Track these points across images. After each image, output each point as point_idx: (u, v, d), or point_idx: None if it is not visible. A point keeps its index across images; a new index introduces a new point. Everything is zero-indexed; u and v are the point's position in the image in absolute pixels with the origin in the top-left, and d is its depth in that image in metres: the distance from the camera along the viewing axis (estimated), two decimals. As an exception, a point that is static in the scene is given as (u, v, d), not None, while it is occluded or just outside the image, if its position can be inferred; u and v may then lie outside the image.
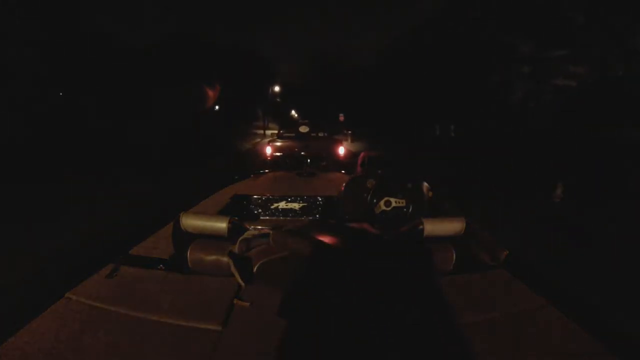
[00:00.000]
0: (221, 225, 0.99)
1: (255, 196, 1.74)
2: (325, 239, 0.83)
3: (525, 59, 13.61)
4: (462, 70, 15.73)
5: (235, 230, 1.00)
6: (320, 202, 1.70)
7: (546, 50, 12.91)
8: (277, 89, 32.31)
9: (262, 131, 25.07)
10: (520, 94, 14.18)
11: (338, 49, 36.53)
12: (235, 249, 0.93)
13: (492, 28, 14.33)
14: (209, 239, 1.02)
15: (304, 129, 8.32)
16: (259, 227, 1.01)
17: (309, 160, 7.32)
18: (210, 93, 21.95)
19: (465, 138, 16.64)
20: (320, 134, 8.43)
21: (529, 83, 13.91)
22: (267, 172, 2.48)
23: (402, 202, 1.08)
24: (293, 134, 8.23)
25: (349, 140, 18.04)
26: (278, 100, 34.91)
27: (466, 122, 17.32)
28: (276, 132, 9.01)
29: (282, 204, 1.72)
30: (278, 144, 7.89)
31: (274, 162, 7.57)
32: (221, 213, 1.44)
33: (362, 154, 3.98)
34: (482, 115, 15.49)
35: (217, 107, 23.53)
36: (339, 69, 33.93)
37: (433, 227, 1.02)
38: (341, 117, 21.91)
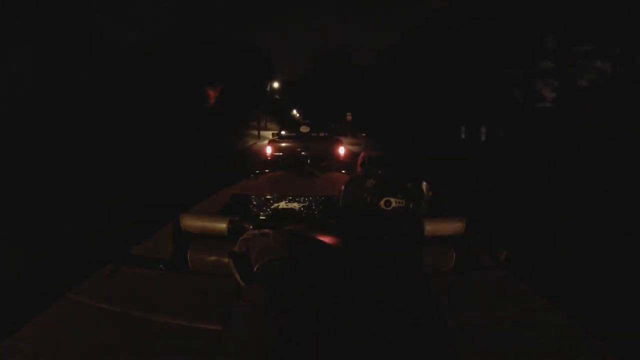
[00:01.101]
0: (221, 225, 0.99)
1: (255, 196, 1.74)
2: (325, 239, 0.83)
3: (548, 54, 12.56)
4: (480, 65, 14.69)
5: (235, 230, 1.00)
6: (320, 202, 1.70)
7: (571, 45, 11.81)
8: (276, 85, 31.34)
9: (256, 132, 23.26)
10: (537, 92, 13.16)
11: (338, 48, 36.46)
12: (235, 249, 0.93)
13: (510, 19, 13.36)
14: (209, 239, 1.02)
15: (304, 129, 8.38)
16: (259, 227, 1.01)
17: (309, 160, 7.34)
18: (211, 93, 21.91)
19: (502, 143, 13.76)
20: (321, 134, 8.47)
21: (550, 81, 12.85)
22: (267, 172, 2.48)
23: (402, 202, 1.08)
24: (294, 134, 8.28)
25: (363, 147, 16.67)
26: (277, 97, 34.27)
27: (502, 123, 14.91)
28: (274, 133, 8.98)
29: (282, 204, 1.72)
30: (278, 144, 7.92)
31: (274, 162, 7.58)
32: (221, 213, 1.44)
33: (362, 154, 3.98)
34: (512, 116, 13.88)
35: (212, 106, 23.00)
36: (340, 68, 33.69)
37: (433, 227, 1.02)
38: (348, 117, 21.20)
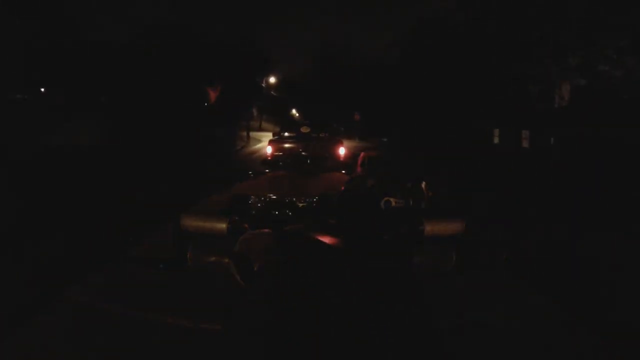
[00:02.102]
0: (221, 225, 0.99)
1: (255, 196, 1.73)
2: (325, 239, 0.83)
3: (572, 48, 11.23)
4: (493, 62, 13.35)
5: (235, 230, 1.00)
6: (320, 202, 1.70)
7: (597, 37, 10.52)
8: (272, 80, 29.94)
9: (245, 132, 21.12)
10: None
11: (338, 48, 36.30)
12: (235, 249, 0.93)
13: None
14: (209, 239, 1.02)
15: (305, 129, 8.48)
16: (259, 227, 1.01)
17: (309, 161, 7.36)
18: (212, 93, 21.83)
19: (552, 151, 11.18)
20: (322, 135, 8.56)
21: (576, 78, 11.55)
22: (267, 172, 2.48)
23: (402, 203, 1.08)
24: (294, 134, 8.38)
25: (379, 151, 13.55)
26: (273, 93, 33.19)
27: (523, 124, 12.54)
28: (275, 134, 9.02)
29: (282, 204, 1.71)
30: (279, 144, 8.00)
31: (274, 162, 7.60)
32: (221, 213, 1.44)
33: (362, 154, 3.98)
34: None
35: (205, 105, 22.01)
36: (340, 68, 33.32)
37: (433, 227, 1.02)
38: (356, 116, 20.75)
